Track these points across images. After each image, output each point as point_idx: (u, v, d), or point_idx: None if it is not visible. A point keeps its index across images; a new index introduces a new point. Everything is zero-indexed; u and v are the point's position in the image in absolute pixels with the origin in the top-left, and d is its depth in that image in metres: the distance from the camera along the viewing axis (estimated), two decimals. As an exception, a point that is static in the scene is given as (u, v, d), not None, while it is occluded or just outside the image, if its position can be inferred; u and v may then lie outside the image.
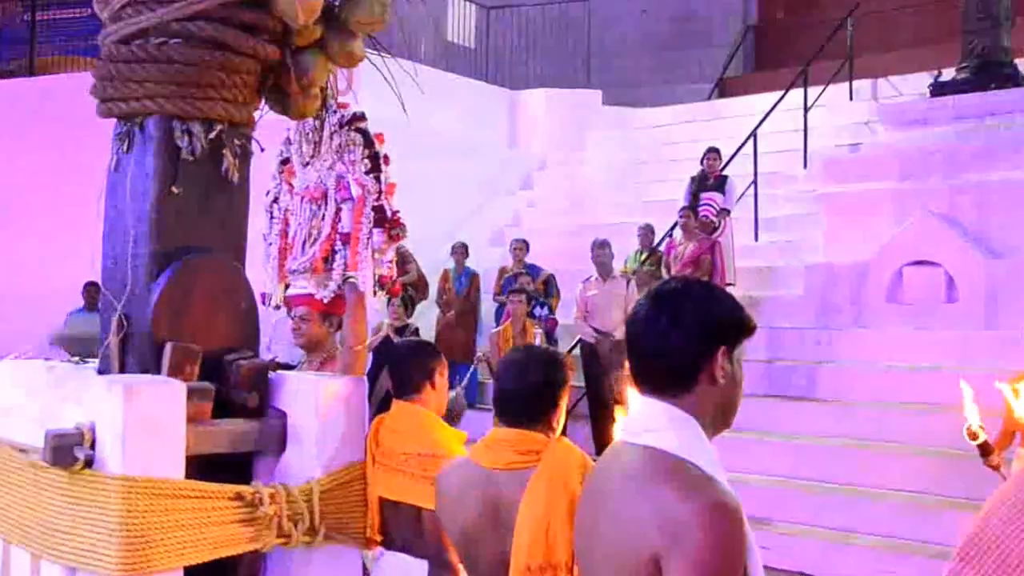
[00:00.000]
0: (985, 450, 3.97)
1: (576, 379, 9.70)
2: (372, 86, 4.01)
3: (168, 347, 3.21)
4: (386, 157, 3.85)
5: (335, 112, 3.80)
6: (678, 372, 1.97)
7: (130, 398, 2.90)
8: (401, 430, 3.66)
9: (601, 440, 8.88)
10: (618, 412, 2.40)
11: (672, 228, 11.13)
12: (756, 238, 12.07)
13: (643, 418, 2.01)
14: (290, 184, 3.97)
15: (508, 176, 15.25)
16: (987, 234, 9.49)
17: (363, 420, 3.65)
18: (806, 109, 13.33)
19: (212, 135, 3.33)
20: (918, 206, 9.75)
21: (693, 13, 19.73)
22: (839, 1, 17.96)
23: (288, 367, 4.15)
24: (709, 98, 17.69)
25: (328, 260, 3.88)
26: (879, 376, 9.03)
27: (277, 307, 4.25)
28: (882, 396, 8.85)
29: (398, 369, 3.86)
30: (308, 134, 3.88)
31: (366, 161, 3.79)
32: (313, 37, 3.55)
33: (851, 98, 14.53)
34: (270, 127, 3.83)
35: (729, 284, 10.34)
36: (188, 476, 3.05)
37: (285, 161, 4.03)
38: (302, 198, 3.90)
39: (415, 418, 3.72)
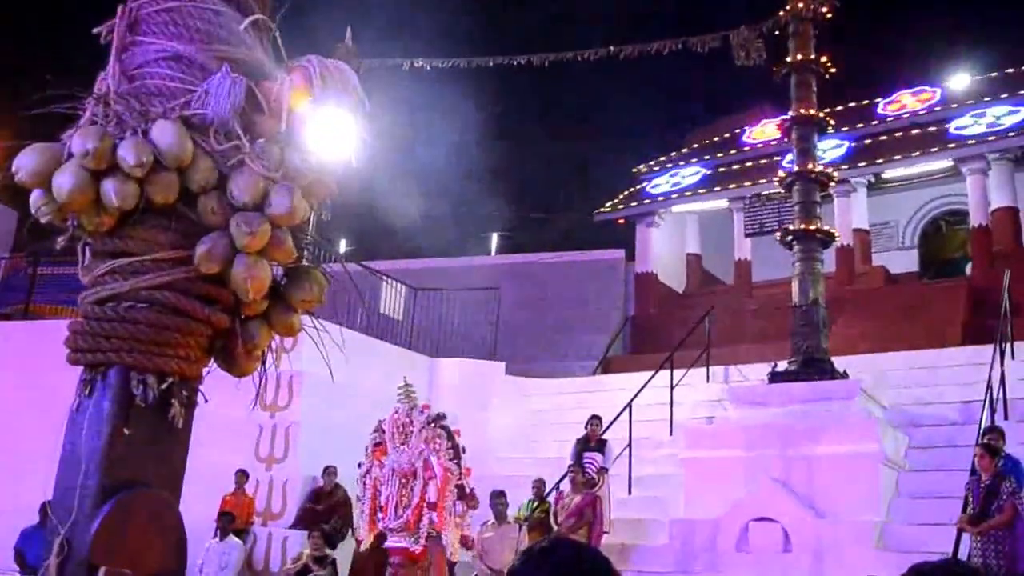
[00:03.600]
0: None
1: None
2: (311, 347, 4.06)
3: (101, 571, 3.02)
4: (463, 448, 4.57)
5: (422, 412, 4.51)
6: None
7: (58, 618, 2.71)
8: None
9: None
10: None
11: (560, 481, 11.02)
12: (630, 493, 11.99)
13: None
14: (380, 461, 4.60)
15: (424, 430, 15.10)
16: (814, 497, 9.62)
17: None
18: (672, 387, 13.63)
19: (163, 386, 3.28)
20: (760, 472, 9.89)
21: (583, 304, 20.42)
22: (699, 302, 18.83)
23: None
24: (594, 373, 18.01)
25: (418, 521, 4.53)
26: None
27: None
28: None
29: None
30: (401, 426, 4.58)
31: (449, 450, 4.52)
32: (259, 309, 3.56)
33: (708, 380, 14.90)
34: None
35: (605, 532, 10.19)
36: None
37: (378, 444, 4.69)
38: (393, 471, 4.51)
39: None
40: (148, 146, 3.12)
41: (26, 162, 3.14)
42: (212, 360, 3.68)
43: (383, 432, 4.65)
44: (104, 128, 3.16)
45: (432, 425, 4.53)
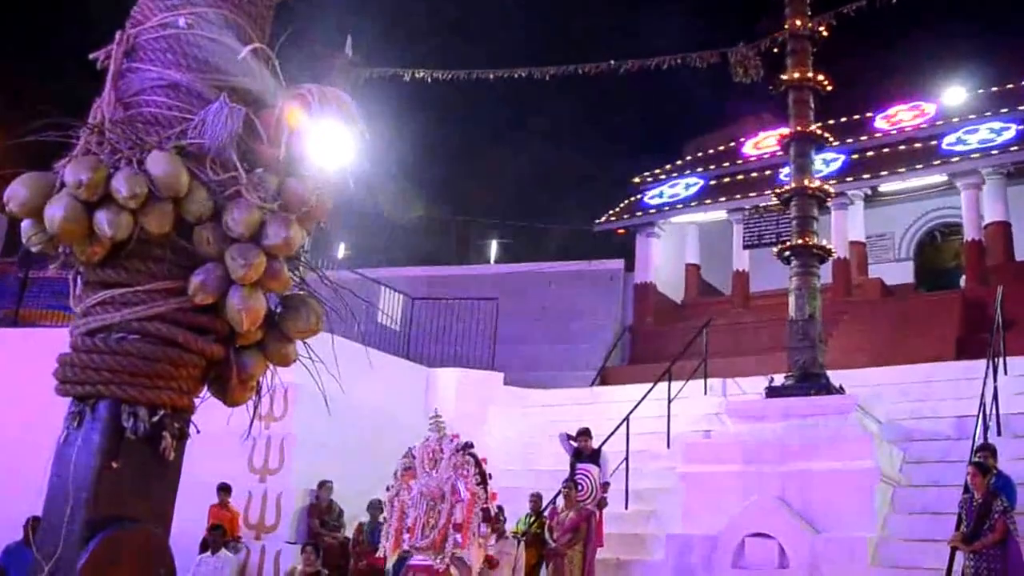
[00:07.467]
0: None
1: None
2: (305, 361, 3.98)
3: (88, 609, 2.93)
4: (490, 475, 5.07)
5: (452, 440, 5.06)
6: None
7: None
8: None
9: None
10: None
11: (555, 497, 10.91)
12: (626, 507, 11.89)
13: None
14: (408, 485, 5.17)
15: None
16: (811, 513, 9.54)
17: None
18: (669, 400, 13.52)
19: (155, 419, 3.18)
20: (756, 487, 9.80)
21: (581, 314, 20.32)
22: (697, 313, 18.75)
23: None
24: (592, 384, 17.90)
25: (443, 541, 5.09)
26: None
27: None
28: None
29: None
30: (431, 453, 5.17)
31: (476, 476, 5.04)
32: (255, 339, 3.47)
33: (705, 393, 14.80)
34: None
35: (600, 547, 10.10)
36: None
37: (407, 468, 5.31)
38: (421, 494, 5.05)
39: None
40: (142, 177, 3.03)
41: (17, 192, 3.05)
42: (205, 388, 3.59)
43: (413, 458, 5.28)
44: (98, 158, 3.07)
45: (461, 453, 5.11)
